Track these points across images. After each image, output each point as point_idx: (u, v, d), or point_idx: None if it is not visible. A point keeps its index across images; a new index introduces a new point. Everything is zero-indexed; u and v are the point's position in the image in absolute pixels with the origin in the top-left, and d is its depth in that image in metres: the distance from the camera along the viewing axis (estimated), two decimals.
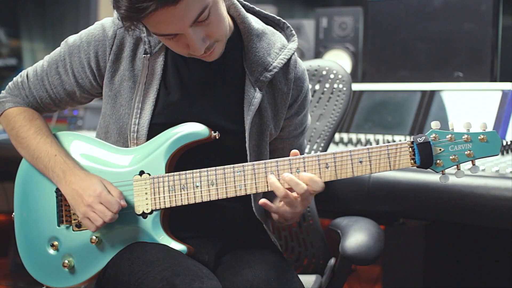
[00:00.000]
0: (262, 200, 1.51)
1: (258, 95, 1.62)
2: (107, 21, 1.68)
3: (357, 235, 1.68)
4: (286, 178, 1.49)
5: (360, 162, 1.49)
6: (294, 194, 1.49)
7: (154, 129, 1.62)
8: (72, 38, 1.72)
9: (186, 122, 1.60)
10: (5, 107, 1.75)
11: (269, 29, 1.69)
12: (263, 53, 1.63)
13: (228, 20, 1.60)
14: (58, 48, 1.74)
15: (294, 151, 1.52)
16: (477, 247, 2.84)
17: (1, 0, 5.18)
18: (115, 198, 1.57)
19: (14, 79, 1.79)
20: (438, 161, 1.46)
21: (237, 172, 1.54)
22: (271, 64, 1.63)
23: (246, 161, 1.63)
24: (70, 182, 1.61)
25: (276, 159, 1.52)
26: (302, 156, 1.51)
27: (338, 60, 2.93)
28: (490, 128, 1.47)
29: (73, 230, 1.65)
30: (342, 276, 1.85)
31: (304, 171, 1.51)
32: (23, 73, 1.78)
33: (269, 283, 1.53)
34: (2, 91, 1.80)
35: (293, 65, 1.68)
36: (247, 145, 1.63)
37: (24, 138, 1.71)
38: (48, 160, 1.66)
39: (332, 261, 1.97)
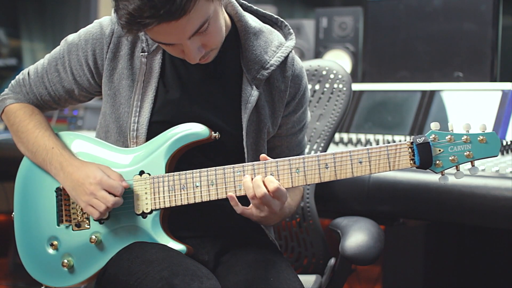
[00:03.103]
0: (230, 194, 1.52)
1: (255, 93, 1.63)
2: (105, 19, 1.69)
3: (357, 235, 1.68)
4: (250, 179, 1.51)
5: (360, 162, 1.49)
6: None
7: (153, 128, 1.63)
8: (71, 37, 1.73)
9: (184, 120, 1.60)
10: (6, 103, 1.77)
11: (266, 27, 1.69)
12: (260, 51, 1.63)
13: (225, 18, 1.60)
14: (58, 47, 1.75)
15: (263, 155, 1.53)
16: (477, 247, 2.83)
17: (1, 0, 5.19)
18: (116, 181, 1.57)
19: (17, 77, 1.81)
20: (437, 162, 1.46)
21: (237, 172, 1.54)
22: (268, 62, 1.63)
23: (244, 160, 1.63)
24: (68, 173, 1.62)
25: (276, 159, 1.53)
26: (302, 156, 1.51)
27: (338, 60, 2.93)
28: (490, 128, 1.47)
29: (73, 230, 1.65)
30: (342, 276, 1.85)
31: (304, 171, 1.51)
32: (25, 71, 1.80)
33: (269, 283, 1.53)
34: (5, 89, 1.81)
35: (291, 63, 1.69)
36: (244, 143, 1.63)
37: (23, 133, 1.72)
38: (46, 153, 1.66)
39: (332, 261, 1.97)
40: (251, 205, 1.53)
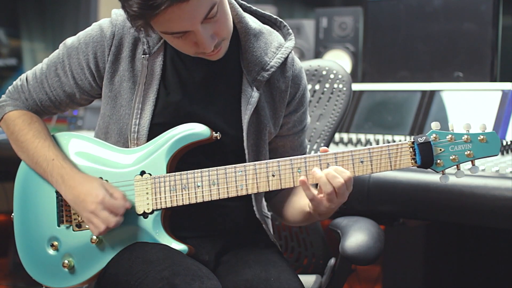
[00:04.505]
0: (303, 178, 1.49)
1: (255, 95, 1.63)
2: (105, 21, 1.68)
3: (357, 235, 1.68)
4: (328, 173, 1.48)
5: (361, 162, 1.49)
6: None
7: (154, 129, 1.62)
8: (70, 40, 1.72)
9: (185, 122, 1.60)
10: (4, 111, 1.75)
11: (266, 28, 1.69)
12: (260, 53, 1.64)
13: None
14: (57, 51, 1.74)
15: (323, 148, 1.53)
16: (477, 247, 2.84)
17: (1, 0, 5.18)
18: (118, 201, 1.57)
19: (14, 82, 1.78)
20: (438, 161, 1.47)
21: (239, 172, 1.54)
22: (268, 64, 1.64)
23: (245, 161, 1.63)
24: (69, 187, 1.61)
25: (278, 159, 1.53)
26: (304, 156, 1.51)
27: (338, 60, 2.93)
28: (490, 128, 1.48)
29: (73, 230, 1.65)
30: (342, 276, 1.85)
31: (306, 171, 1.51)
32: (23, 76, 1.78)
33: (269, 283, 1.53)
34: (3, 95, 1.80)
35: (291, 63, 1.69)
36: (245, 144, 1.63)
37: (23, 142, 1.70)
38: (46, 164, 1.65)
39: (332, 261, 1.97)
40: (320, 195, 1.51)
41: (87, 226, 1.64)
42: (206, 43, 1.47)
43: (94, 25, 1.69)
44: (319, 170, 1.50)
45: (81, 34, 1.70)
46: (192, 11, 1.41)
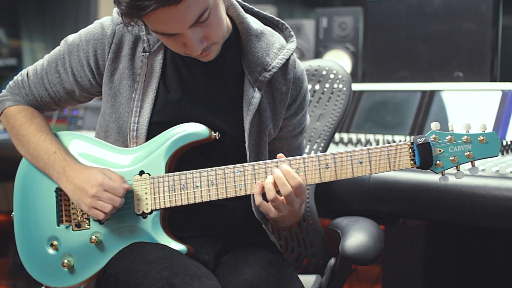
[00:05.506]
0: (258, 182, 1.51)
1: (257, 95, 1.63)
2: (106, 19, 1.69)
3: (357, 235, 1.68)
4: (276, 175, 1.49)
5: (360, 162, 1.49)
6: (281, 197, 1.49)
7: (153, 128, 1.62)
8: (71, 37, 1.72)
9: (185, 121, 1.60)
10: (5, 106, 1.75)
11: (267, 29, 1.69)
12: (261, 53, 1.63)
13: (226, 21, 1.60)
14: (58, 47, 1.74)
15: (280, 154, 1.53)
16: (477, 247, 2.84)
17: (1, 0, 5.18)
18: (117, 183, 1.57)
19: (15, 78, 1.79)
20: (437, 162, 1.46)
21: (237, 172, 1.54)
22: (270, 64, 1.63)
23: (245, 161, 1.63)
24: (70, 177, 1.61)
25: (277, 160, 1.53)
26: (303, 156, 1.51)
27: (338, 60, 2.93)
28: (490, 128, 1.47)
29: (73, 230, 1.65)
30: (342, 276, 1.85)
31: (304, 171, 1.51)
32: (24, 72, 1.78)
33: (269, 283, 1.53)
34: (3, 90, 1.80)
35: (292, 65, 1.69)
36: (246, 145, 1.63)
37: (24, 136, 1.71)
38: (48, 157, 1.66)
39: (332, 261, 1.97)
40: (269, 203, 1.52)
41: (86, 226, 1.64)
42: (194, 47, 1.47)
43: (96, 23, 1.70)
44: (271, 179, 1.50)
45: (82, 31, 1.71)
46: (182, 15, 1.41)
